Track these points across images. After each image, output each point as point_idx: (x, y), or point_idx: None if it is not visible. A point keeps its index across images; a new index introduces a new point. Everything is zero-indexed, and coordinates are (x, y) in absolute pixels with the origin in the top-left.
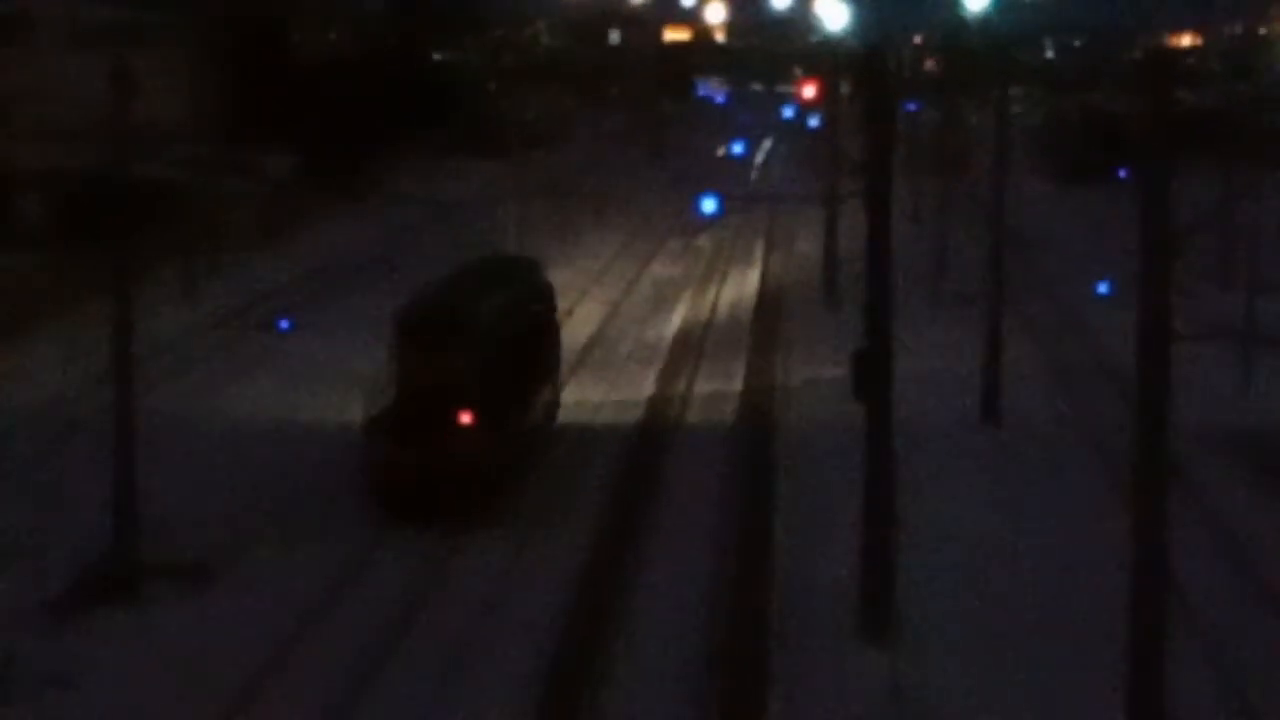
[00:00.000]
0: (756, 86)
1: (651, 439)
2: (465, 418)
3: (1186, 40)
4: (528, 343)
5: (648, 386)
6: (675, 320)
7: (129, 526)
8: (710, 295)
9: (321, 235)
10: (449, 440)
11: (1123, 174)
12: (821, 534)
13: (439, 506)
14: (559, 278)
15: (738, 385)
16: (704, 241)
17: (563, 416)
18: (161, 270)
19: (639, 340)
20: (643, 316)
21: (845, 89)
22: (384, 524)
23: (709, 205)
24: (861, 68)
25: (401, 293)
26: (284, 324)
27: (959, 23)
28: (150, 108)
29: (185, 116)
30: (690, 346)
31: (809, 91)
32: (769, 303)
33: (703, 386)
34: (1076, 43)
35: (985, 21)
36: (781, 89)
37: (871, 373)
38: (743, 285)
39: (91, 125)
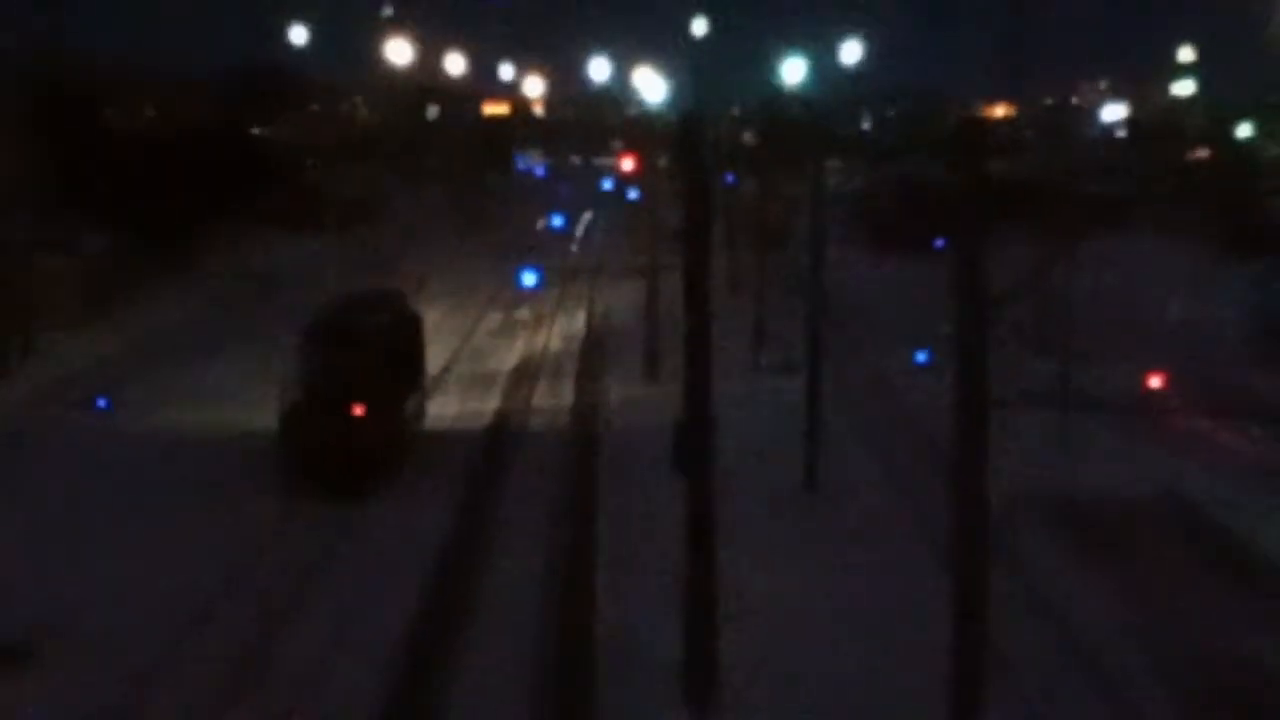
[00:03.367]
0: (576, 159)
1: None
2: (358, 410)
3: (1000, 110)
4: (402, 355)
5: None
6: (494, 396)
7: None
8: (529, 370)
9: (140, 311)
10: (346, 427)
11: (939, 243)
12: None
13: (338, 480)
14: None
15: (557, 447)
16: (525, 314)
17: None
18: None
19: (460, 413)
20: (463, 389)
21: (664, 161)
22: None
23: (529, 278)
24: (679, 140)
25: (224, 368)
26: (102, 402)
27: (776, 95)
28: None
29: None
30: (510, 421)
31: (628, 164)
32: (589, 375)
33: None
34: (891, 113)
35: (802, 93)
36: (601, 162)
37: (692, 443)
38: (562, 358)
39: None
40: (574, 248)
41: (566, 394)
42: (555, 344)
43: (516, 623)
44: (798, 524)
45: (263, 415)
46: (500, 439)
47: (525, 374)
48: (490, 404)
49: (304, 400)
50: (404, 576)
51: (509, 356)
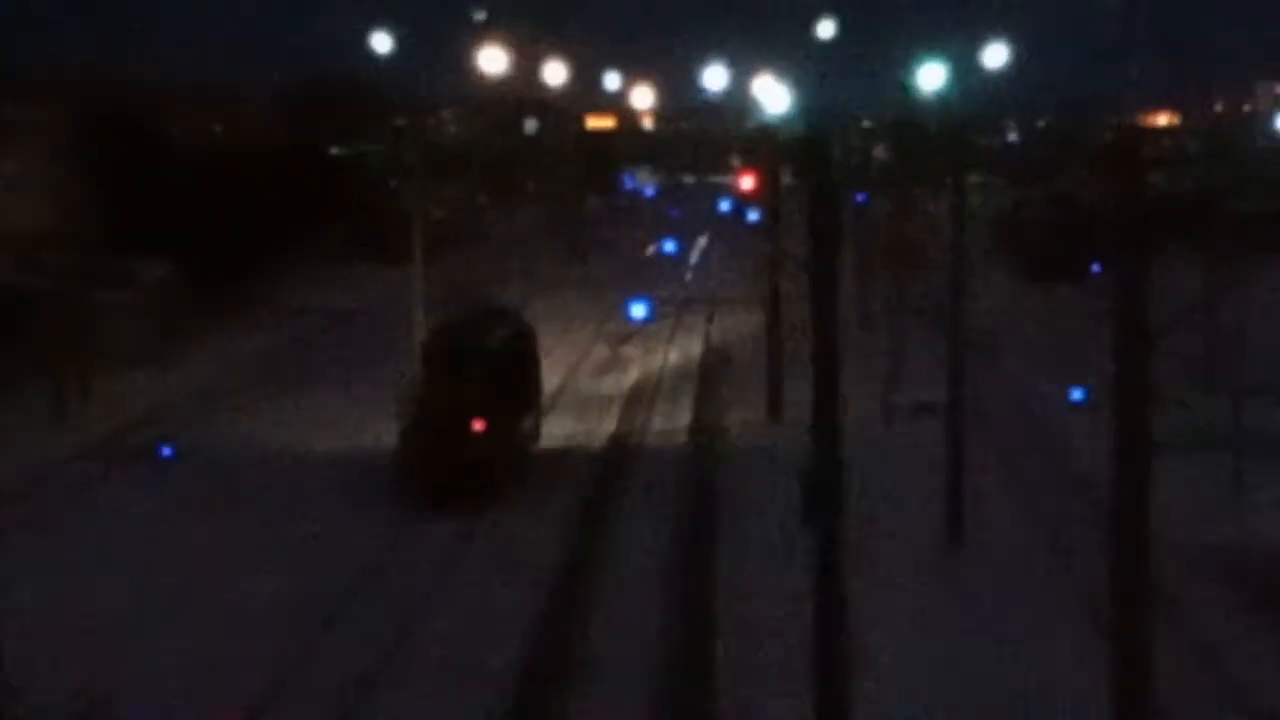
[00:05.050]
0: (689, 178)
1: None
2: (477, 425)
3: (1162, 119)
4: (520, 372)
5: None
6: (602, 435)
7: None
8: (639, 411)
9: (206, 350)
10: (464, 442)
11: (1096, 268)
12: None
13: (459, 493)
14: None
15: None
16: (634, 350)
17: None
18: (26, 392)
19: (567, 447)
20: (567, 430)
21: (788, 179)
22: None
23: (639, 310)
24: (804, 155)
25: (293, 417)
26: (166, 451)
27: (912, 105)
28: (13, 211)
29: (52, 220)
30: (618, 465)
31: (747, 182)
32: (705, 419)
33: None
34: (1041, 124)
35: (941, 103)
36: (717, 180)
37: (821, 495)
38: (676, 398)
39: None
40: (688, 276)
41: (680, 438)
42: (668, 383)
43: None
44: (940, 584)
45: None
46: (607, 484)
47: (634, 416)
48: (597, 441)
49: (422, 415)
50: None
51: (616, 396)
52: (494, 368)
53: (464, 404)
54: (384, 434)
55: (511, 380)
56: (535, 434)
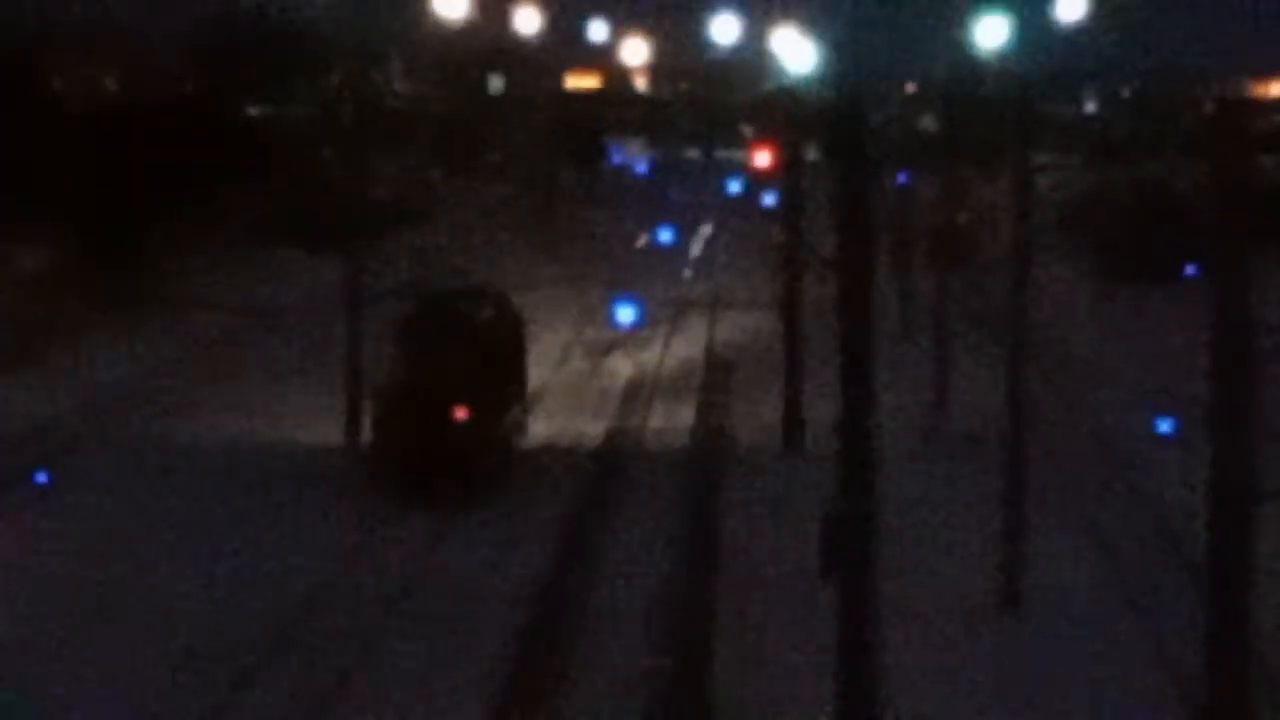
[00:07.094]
0: (691, 152)
1: None
2: (460, 413)
3: (1277, 89)
4: (506, 358)
5: None
6: (578, 469)
7: None
8: (628, 438)
9: (92, 354)
10: (445, 432)
11: (1191, 270)
12: None
13: (437, 486)
14: None
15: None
16: (619, 363)
17: None
18: None
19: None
20: (538, 463)
21: (812, 155)
22: None
23: (626, 313)
24: (833, 126)
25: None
26: (41, 478)
27: (967, 65)
28: None
29: None
30: (599, 513)
31: (763, 158)
32: (708, 449)
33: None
34: (1127, 93)
35: (1003, 64)
36: (725, 155)
37: (848, 544)
38: (672, 421)
39: None
40: (687, 272)
41: (675, 470)
42: (662, 404)
43: None
44: (992, 655)
45: None
46: (586, 536)
47: (617, 441)
48: (572, 466)
49: (398, 401)
50: None
51: (596, 416)
52: (479, 350)
53: (445, 389)
54: (315, 456)
55: (499, 366)
56: (521, 427)
